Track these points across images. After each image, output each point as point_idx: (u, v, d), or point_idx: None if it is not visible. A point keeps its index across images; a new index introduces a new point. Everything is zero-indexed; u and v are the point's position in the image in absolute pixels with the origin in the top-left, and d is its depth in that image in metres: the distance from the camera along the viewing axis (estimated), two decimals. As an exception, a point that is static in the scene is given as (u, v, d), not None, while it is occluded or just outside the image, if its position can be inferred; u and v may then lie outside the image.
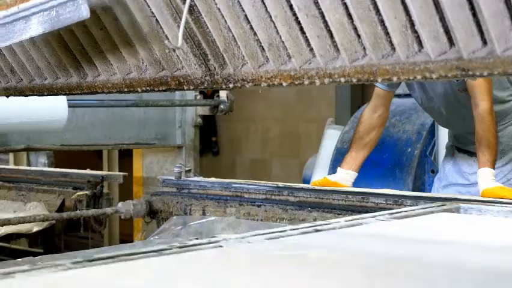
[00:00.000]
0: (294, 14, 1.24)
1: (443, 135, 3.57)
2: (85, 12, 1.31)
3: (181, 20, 1.33)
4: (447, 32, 1.10)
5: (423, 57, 1.14)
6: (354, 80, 1.24)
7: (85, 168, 3.64)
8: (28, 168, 4.44)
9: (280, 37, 1.28)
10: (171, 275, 1.18)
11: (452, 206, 2.10)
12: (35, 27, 1.35)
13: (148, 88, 1.59)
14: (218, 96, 3.88)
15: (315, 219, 2.44)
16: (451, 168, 3.09)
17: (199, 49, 1.43)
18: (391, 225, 1.77)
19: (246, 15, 1.31)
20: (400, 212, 1.93)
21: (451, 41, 1.10)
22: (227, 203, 2.76)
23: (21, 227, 2.88)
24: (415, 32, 1.13)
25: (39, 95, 1.89)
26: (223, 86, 1.44)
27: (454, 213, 2.04)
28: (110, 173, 4.24)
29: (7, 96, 1.97)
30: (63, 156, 5.77)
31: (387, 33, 1.16)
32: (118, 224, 5.64)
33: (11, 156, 5.41)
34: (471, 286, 1.14)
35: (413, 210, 1.99)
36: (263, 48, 1.33)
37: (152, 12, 1.44)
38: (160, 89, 1.57)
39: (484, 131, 2.54)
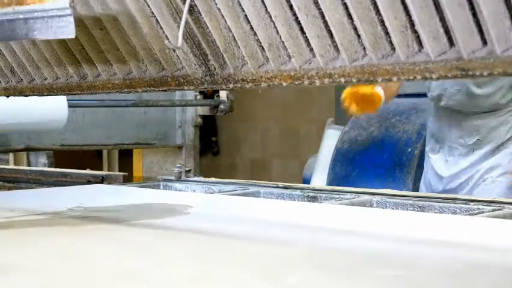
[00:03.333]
0: (294, 14, 1.24)
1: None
2: (72, 33, 1.33)
3: (181, 20, 1.33)
4: (447, 32, 1.10)
5: (423, 57, 1.14)
6: (354, 80, 1.24)
7: (85, 168, 3.63)
8: (28, 168, 4.43)
9: (280, 37, 1.28)
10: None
11: (154, 183, 2.78)
12: (25, 32, 1.36)
13: (148, 88, 1.59)
14: (218, 96, 3.87)
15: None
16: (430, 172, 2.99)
17: (199, 49, 1.43)
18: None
19: (246, 15, 1.31)
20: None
21: (451, 41, 1.10)
22: (227, 203, 2.77)
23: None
24: (415, 32, 1.13)
25: (39, 95, 1.89)
26: (223, 86, 1.45)
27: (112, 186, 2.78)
28: (110, 173, 4.23)
29: (7, 96, 1.97)
30: (63, 156, 5.77)
31: (387, 33, 1.17)
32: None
33: (11, 156, 5.40)
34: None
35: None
36: (263, 48, 1.33)
37: (152, 12, 1.44)
38: (160, 89, 1.57)
39: None
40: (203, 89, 1.74)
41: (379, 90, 2.43)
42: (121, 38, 1.55)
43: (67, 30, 1.33)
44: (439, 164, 2.82)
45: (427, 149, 2.95)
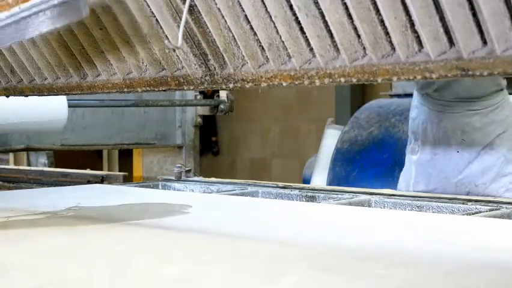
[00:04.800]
0: (294, 14, 1.24)
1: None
2: (84, 12, 1.33)
3: (181, 20, 1.33)
4: (447, 32, 1.10)
5: (423, 57, 1.14)
6: (354, 80, 1.24)
7: (85, 168, 3.64)
8: (28, 168, 4.43)
9: (280, 37, 1.28)
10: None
11: (153, 183, 2.80)
12: (36, 27, 1.36)
13: (148, 88, 1.59)
14: (218, 96, 3.87)
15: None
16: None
17: (199, 49, 1.43)
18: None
19: (246, 15, 1.31)
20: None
21: (451, 41, 1.11)
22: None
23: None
24: (415, 32, 1.13)
25: (39, 95, 1.89)
26: (223, 86, 1.45)
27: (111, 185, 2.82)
28: (110, 173, 4.24)
29: (7, 96, 1.97)
30: (63, 156, 5.77)
31: (387, 33, 1.17)
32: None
33: (11, 156, 5.41)
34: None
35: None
36: (263, 48, 1.33)
37: (152, 12, 1.44)
38: (160, 89, 1.57)
39: None
40: (203, 89, 1.74)
41: None
42: (121, 38, 1.55)
43: (79, 13, 1.33)
44: (423, 164, 2.70)
45: (409, 149, 2.82)
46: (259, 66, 1.36)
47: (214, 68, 1.44)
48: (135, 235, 1.56)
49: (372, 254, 1.33)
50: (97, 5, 1.51)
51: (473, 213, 1.95)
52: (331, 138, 4.25)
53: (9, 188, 3.51)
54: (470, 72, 1.09)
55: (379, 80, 1.21)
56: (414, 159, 2.72)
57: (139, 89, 1.61)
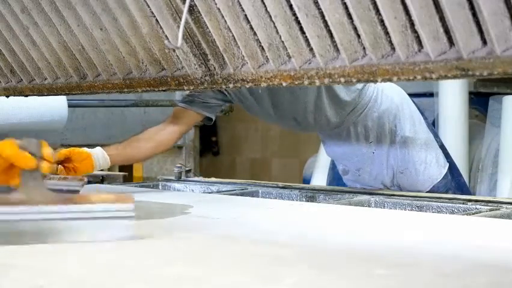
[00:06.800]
0: (294, 14, 1.24)
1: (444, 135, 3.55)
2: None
3: (181, 20, 1.33)
4: (447, 31, 1.10)
5: (423, 57, 1.15)
6: (354, 80, 1.24)
7: (85, 168, 3.63)
8: (28, 168, 4.41)
9: (280, 37, 1.29)
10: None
11: (153, 183, 2.85)
12: None
13: (148, 88, 1.59)
14: (218, 96, 3.87)
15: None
16: None
17: (199, 49, 1.43)
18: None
19: (245, 15, 1.31)
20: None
21: (451, 41, 1.11)
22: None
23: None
24: (415, 32, 1.13)
25: (39, 95, 1.90)
26: (223, 86, 1.45)
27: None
28: (110, 173, 4.23)
29: (7, 96, 1.98)
30: (63, 156, 5.76)
31: (387, 33, 1.17)
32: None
33: (11, 156, 5.39)
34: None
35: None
36: (263, 48, 1.33)
37: (152, 12, 1.44)
38: (160, 89, 1.57)
39: None
40: (203, 89, 1.74)
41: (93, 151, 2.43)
42: (121, 38, 1.55)
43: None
44: (355, 178, 2.73)
45: (340, 171, 2.84)
46: (259, 66, 1.36)
47: (214, 68, 1.44)
48: (135, 235, 1.56)
49: (372, 254, 1.32)
50: (97, 5, 1.51)
51: (473, 213, 1.95)
52: (331, 138, 4.23)
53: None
54: (470, 72, 1.09)
55: (379, 80, 1.21)
56: (348, 177, 2.76)
57: (139, 89, 1.61)
